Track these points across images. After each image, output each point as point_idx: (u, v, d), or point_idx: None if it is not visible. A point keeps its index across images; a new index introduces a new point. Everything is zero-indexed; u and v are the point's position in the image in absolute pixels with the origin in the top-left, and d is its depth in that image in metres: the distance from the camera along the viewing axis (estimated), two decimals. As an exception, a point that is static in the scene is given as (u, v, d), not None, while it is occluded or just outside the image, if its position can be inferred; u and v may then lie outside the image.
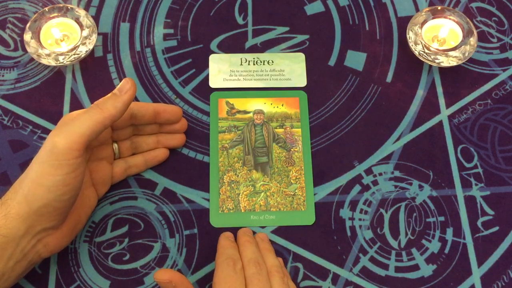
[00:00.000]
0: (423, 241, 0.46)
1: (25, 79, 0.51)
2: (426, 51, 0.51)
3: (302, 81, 0.52)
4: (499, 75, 0.53)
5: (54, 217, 0.38)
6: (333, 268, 0.45)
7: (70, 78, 0.51)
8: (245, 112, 0.50)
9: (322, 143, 0.49)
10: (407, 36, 0.52)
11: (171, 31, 0.54)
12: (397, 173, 0.48)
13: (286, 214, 0.46)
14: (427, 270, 0.45)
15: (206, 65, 0.52)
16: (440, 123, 0.50)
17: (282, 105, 0.50)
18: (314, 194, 0.47)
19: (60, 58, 0.50)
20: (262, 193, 0.47)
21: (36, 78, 0.51)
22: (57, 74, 0.51)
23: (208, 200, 0.47)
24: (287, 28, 0.54)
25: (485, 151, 0.49)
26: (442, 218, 0.47)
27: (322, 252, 0.45)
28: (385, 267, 0.45)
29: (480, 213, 0.47)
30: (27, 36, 0.50)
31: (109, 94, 0.40)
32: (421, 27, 0.52)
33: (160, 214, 0.46)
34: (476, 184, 0.48)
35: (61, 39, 0.51)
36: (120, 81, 0.51)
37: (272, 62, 0.53)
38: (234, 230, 0.45)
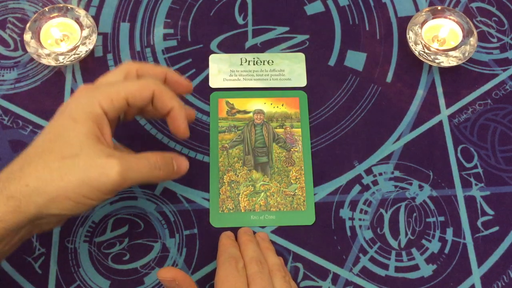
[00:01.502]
0: (423, 241, 0.46)
1: (25, 79, 0.51)
2: (426, 51, 0.51)
3: (302, 81, 0.52)
4: (499, 75, 0.53)
5: (62, 219, 0.38)
6: (333, 268, 0.45)
7: (70, 78, 0.51)
8: (245, 112, 0.50)
9: (322, 143, 0.49)
10: (407, 36, 0.52)
11: (171, 31, 0.54)
12: (397, 173, 0.48)
13: (286, 214, 0.46)
14: (427, 270, 0.45)
15: (206, 65, 0.52)
16: (440, 123, 0.50)
17: (282, 105, 0.50)
18: (314, 194, 0.47)
19: (60, 58, 0.50)
20: (262, 193, 0.47)
21: (36, 78, 0.51)
22: (57, 74, 0.51)
23: (208, 200, 0.47)
24: (287, 28, 0.54)
25: (485, 151, 0.49)
26: (442, 218, 0.47)
27: (322, 252, 0.45)
28: (385, 267, 0.45)
29: (480, 213, 0.47)
30: (27, 36, 0.50)
31: (169, 156, 0.39)
32: (421, 27, 0.52)
33: (160, 214, 0.46)
34: (476, 184, 0.48)
35: (61, 39, 0.51)
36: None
37: (272, 62, 0.53)
38: (234, 230, 0.45)
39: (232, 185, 0.47)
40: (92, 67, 0.52)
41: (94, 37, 0.51)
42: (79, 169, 0.33)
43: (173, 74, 0.41)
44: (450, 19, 0.52)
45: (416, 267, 0.45)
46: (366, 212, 0.47)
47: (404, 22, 0.55)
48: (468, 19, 0.52)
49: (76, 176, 0.33)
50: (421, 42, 0.51)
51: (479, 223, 0.47)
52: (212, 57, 0.53)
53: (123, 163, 0.34)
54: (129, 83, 0.37)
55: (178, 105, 0.39)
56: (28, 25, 0.50)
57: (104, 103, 0.35)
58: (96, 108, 0.35)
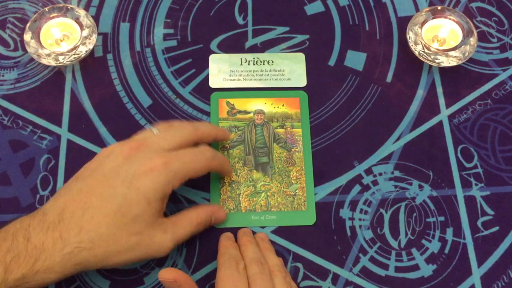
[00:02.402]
0: (423, 241, 0.46)
1: (25, 79, 0.51)
2: (426, 51, 0.51)
3: (302, 81, 0.52)
4: (499, 75, 0.53)
5: None
6: (333, 268, 0.45)
7: (70, 78, 0.51)
8: (246, 112, 0.50)
9: (322, 143, 0.49)
10: (407, 36, 0.52)
11: (171, 31, 0.54)
12: (397, 173, 0.48)
13: (287, 214, 0.46)
14: (427, 270, 0.45)
15: (206, 65, 0.52)
16: (440, 123, 0.50)
17: (283, 105, 0.50)
18: (315, 194, 0.47)
19: (60, 58, 0.50)
20: (263, 193, 0.47)
21: (36, 78, 0.51)
22: (57, 74, 0.51)
23: (209, 200, 0.47)
24: (287, 28, 0.54)
25: (485, 151, 0.49)
26: (442, 218, 0.47)
27: (322, 252, 0.45)
28: (385, 267, 0.45)
29: (480, 213, 0.47)
30: (27, 36, 0.50)
31: (210, 211, 0.43)
32: (421, 27, 0.52)
33: (160, 214, 0.46)
34: (476, 184, 0.48)
35: (61, 39, 0.51)
36: (120, 81, 0.51)
37: (272, 62, 0.53)
38: (235, 230, 0.45)
39: (233, 185, 0.47)
40: (92, 67, 0.52)
41: (94, 37, 0.51)
42: (141, 247, 0.38)
43: (217, 131, 0.46)
44: (450, 19, 0.52)
45: (416, 267, 0.45)
46: (366, 212, 0.47)
47: (404, 22, 0.55)
48: (468, 19, 0.52)
49: (138, 253, 0.38)
50: (421, 42, 0.51)
51: (479, 223, 0.47)
52: (212, 57, 0.53)
53: (174, 237, 0.40)
54: (195, 162, 0.41)
55: (228, 169, 0.46)
56: (28, 25, 0.50)
57: (175, 183, 0.39)
58: (169, 190, 0.39)
